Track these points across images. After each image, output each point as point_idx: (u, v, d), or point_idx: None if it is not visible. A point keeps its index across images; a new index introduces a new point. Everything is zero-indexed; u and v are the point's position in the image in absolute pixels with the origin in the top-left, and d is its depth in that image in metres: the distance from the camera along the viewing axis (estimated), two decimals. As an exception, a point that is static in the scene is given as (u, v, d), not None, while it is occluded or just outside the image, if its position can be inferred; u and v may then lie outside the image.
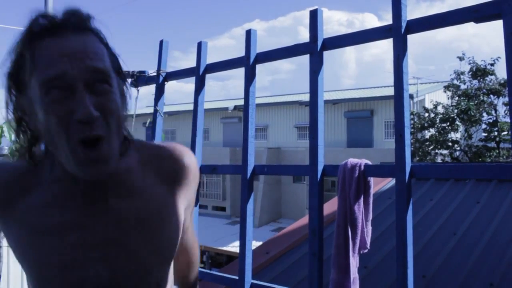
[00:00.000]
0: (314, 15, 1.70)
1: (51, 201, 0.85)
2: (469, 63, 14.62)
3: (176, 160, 0.94)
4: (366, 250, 1.59)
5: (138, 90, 2.41)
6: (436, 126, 14.76)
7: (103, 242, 0.84)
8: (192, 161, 0.97)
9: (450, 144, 14.74)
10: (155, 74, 2.28)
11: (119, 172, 0.87)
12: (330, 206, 3.76)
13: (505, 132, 14.12)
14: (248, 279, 1.81)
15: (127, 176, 0.88)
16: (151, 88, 2.34)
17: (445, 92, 15.75)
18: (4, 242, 4.77)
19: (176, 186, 0.93)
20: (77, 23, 0.80)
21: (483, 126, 14.78)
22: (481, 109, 14.31)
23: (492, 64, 14.28)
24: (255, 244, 4.63)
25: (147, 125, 2.94)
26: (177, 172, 0.93)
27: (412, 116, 15.09)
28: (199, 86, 2.11)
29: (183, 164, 0.94)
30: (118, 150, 0.82)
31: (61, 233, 0.83)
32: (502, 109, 14.36)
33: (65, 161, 0.79)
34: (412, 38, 1.51)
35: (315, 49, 1.68)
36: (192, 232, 1.15)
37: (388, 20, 1.53)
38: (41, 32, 0.78)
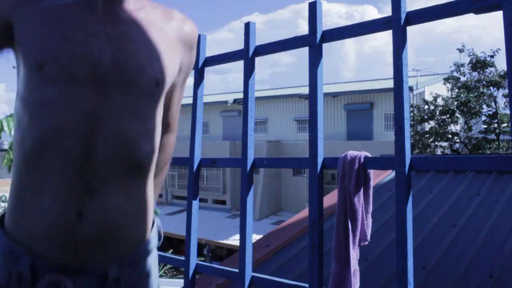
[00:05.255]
0: (313, 7, 1.69)
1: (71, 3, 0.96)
2: (469, 55, 14.59)
3: (186, 22, 1.09)
4: (366, 243, 1.59)
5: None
6: (435, 118, 14.75)
7: (111, 33, 0.95)
8: (196, 30, 1.12)
9: (449, 136, 14.73)
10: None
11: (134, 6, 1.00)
12: (330, 199, 3.77)
13: (505, 124, 14.12)
14: (249, 272, 1.81)
15: (140, 9, 1.01)
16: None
17: (444, 84, 15.72)
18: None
19: (180, 41, 1.06)
20: None
21: (483, 118, 14.78)
22: (480, 101, 14.30)
23: (492, 56, 14.25)
24: (256, 237, 4.65)
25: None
26: (185, 30, 1.08)
27: (411, 109, 15.08)
28: (198, 80, 2.10)
29: (192, 26, 1.10)
30: None
31: (73, 20, 0.94)
32: (502, 101, 14.37)
33: None
34: (412, 30, 1.51)
35: (314, 41, 1.67)
36: (177, 103, 1.19)
37: (387, 12, 1.53)
38: None
